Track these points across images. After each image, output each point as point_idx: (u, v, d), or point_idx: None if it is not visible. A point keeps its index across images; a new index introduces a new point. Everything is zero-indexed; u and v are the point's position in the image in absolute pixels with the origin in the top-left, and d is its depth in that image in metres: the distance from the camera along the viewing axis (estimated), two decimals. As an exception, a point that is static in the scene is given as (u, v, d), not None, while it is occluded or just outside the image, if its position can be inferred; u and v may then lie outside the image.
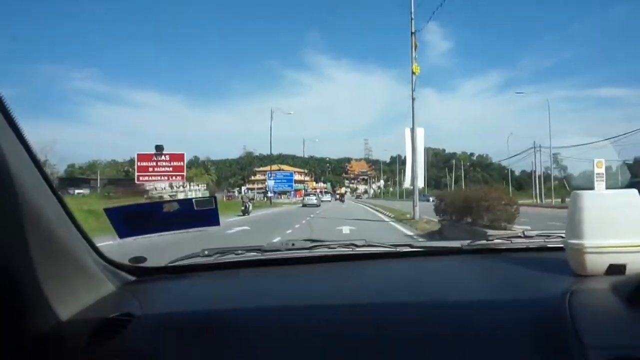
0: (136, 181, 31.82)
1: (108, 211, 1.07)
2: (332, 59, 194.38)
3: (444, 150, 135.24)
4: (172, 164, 31.53)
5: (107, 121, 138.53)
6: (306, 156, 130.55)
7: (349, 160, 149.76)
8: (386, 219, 20.09)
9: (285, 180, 70.67)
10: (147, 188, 30.26)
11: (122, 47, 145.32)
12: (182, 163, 32.32)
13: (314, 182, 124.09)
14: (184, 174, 32.91)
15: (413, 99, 17.28)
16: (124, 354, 0.82)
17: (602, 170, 1.12)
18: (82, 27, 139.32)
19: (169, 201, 1.12)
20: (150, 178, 31.33)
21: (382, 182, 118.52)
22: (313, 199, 41.07)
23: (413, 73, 17.09)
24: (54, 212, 0.85)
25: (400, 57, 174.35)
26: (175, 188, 31.50)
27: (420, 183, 17.87)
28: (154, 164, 31.37)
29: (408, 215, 17.88)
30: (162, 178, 31.48)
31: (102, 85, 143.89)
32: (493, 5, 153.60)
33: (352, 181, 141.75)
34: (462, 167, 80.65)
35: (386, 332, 0.81)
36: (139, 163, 31.95)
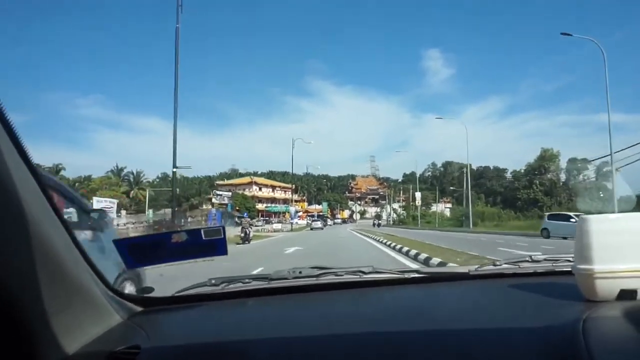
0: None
1: (116, 242, 1.08)
2: (334, 85, 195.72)
3: (470, 164, 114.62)
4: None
5: (109, 146, 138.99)
6: (300, 173, 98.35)
7: (353, 177, 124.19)
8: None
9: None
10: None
11: (127, 74, 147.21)
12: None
13: (306, 204, 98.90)
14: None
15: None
16: None
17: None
18: (87, 54, 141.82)
19: (177, 231, 1.13)
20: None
21: (418, 197, 72.62)
22: (319, 224, 48.38)
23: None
24: (61, 242, 0.85)
25: (402, 84, 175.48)
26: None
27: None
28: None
29: None
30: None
31: (106, 111, 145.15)
32: (493, 31, 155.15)
33: (358, 201, 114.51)
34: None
35: None
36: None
